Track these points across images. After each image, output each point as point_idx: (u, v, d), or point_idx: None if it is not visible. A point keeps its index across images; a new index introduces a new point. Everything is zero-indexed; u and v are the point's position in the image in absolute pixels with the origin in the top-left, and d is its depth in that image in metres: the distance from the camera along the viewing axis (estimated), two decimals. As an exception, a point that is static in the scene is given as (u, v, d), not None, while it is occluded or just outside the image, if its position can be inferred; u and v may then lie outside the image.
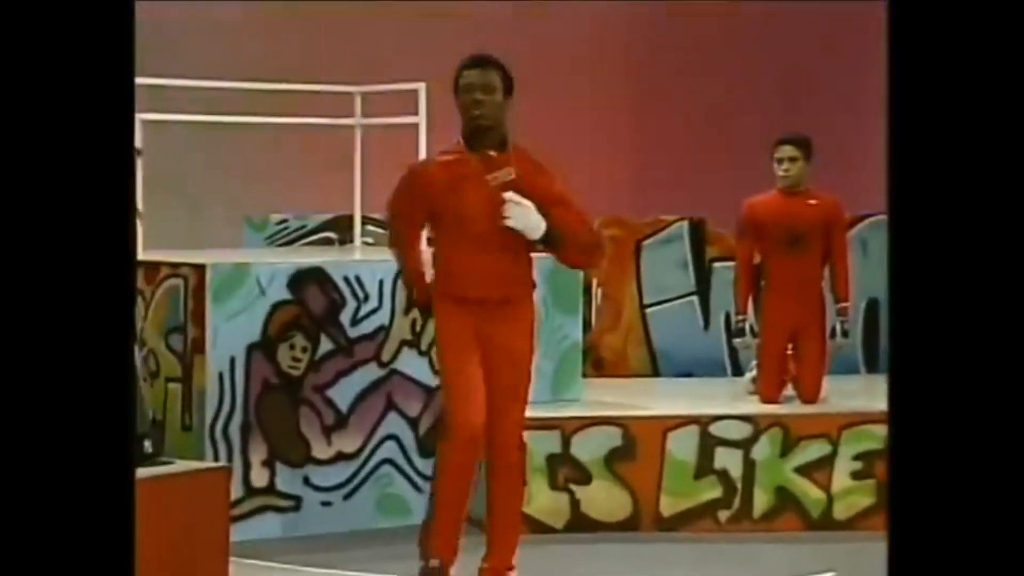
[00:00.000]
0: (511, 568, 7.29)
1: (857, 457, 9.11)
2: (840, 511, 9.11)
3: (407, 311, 8.91)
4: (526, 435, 8.67)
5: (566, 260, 7.46)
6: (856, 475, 9.10)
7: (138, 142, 8.80)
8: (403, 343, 9.01)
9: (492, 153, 7.12)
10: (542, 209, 7.06)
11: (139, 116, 8.91)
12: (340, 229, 11.42)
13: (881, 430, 9.13)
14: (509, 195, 7.00)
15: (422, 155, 9.16)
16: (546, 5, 13.30)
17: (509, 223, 6.99)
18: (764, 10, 13.73)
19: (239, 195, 12.23)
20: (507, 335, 7.20)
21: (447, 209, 7.13)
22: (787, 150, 9.59)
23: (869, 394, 10.01)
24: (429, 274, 7.40)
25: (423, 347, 8.97)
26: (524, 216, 6.99)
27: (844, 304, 9.76)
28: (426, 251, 7.60)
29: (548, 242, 7.12)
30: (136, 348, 7.43)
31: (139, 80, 9.46)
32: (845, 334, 9.81)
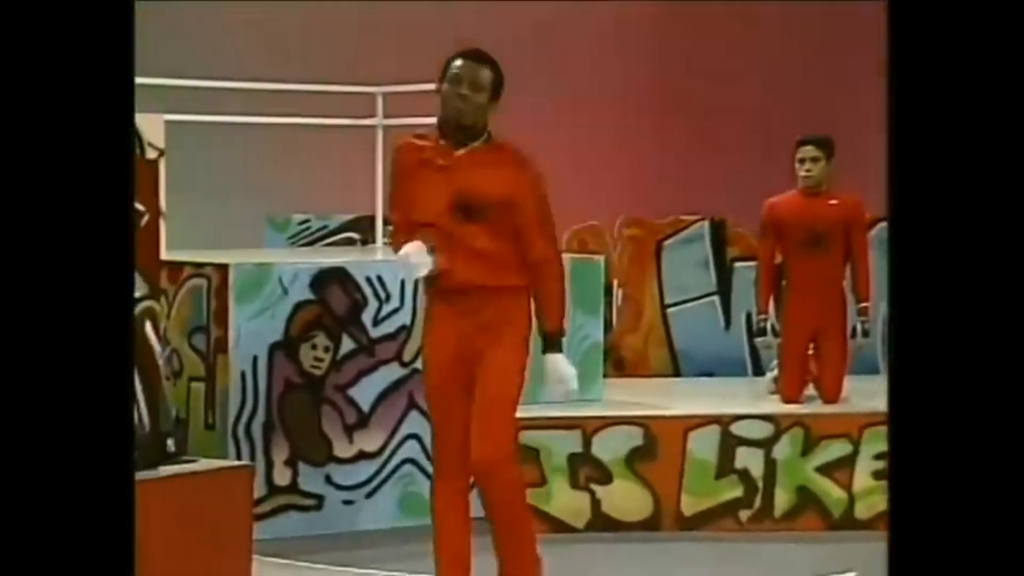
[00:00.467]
0: None
1: (879, 457, 9.07)
2: (862, 511, 9.14)
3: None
4: (545, 435, 8.74)
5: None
6: (878, 475, 9.07)
7: (161, 142, 8.85)
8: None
9: (460, 151, 6.55)
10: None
11: (163, 116, 8.99)
12: (362, 229, 11.46)
13: (902, 430, 9.20)
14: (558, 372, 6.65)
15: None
16: (569, 6, 13.30)
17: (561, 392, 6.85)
18: (784, 11, 13.73)
19: (261, 195, 12.28)
20: (495, 342, 6.58)
21: (408, 192, 6.70)
22: (809, 150, 9.64)
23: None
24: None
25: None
26: (563, 379, 6.66)
27: (864, 304, 9.80)
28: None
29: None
30: (159, 347, 7.47)
31: (163, 81, 9.54)
32: (865, 334, 9.84)
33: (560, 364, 6.63)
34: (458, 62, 6.54)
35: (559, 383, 6.69)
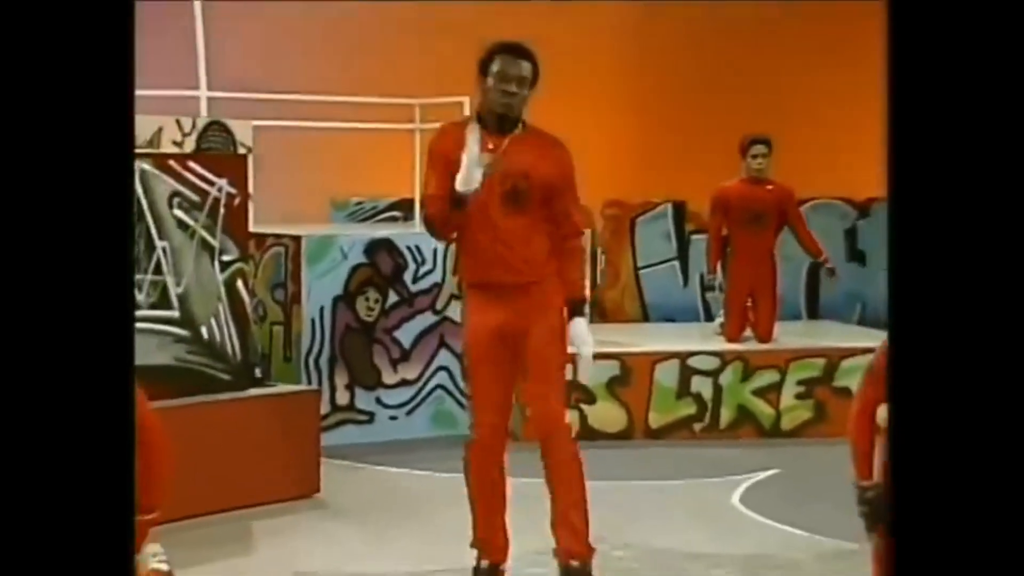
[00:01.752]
0: (586, 547, 5.53)
1: (800, 383, 9.22)
2: (786, 423, 9.21)
3: (455, 272, 8.94)
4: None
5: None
6: (799, 396, 9.21)
7: (249, 142, 8.90)
8: (452, 296, 9.04)
9: (504, 138, 5.39)
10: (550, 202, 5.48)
11: (251, 122, 9.03)
12: (403, 209, 11.46)
13: (819, 361, 9.27)
14: (584, 358, 5.50)
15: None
16: (561, 10, 13.04)
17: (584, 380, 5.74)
18: (730, 29, 13.43)
19: (327, 183, 12.29)
20: (536, 323, 5.46)
21: (451, 171, 5.31)
22: (760, 148, 9.60)
23: (810, 335, 10.11)
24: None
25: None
26: (586, 341, 5.53)
27: (822, 257, 9.83)
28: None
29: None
30: (248, 299, 7.53)
31: (252, 95, 9.55)
32: (832, 272, 9.90)
33: (584, 327, 5.57)
34: (500, 59, 5.39)
35: (583, 345, 5.53)
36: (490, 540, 5.64)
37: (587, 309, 5.73)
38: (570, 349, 5.61)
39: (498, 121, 5.43)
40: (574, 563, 5.47)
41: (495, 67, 5.39)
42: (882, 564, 5.47)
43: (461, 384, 9.14)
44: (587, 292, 5.73)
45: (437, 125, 10.03)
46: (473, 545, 5.67)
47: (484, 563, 5.63)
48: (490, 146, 5.35)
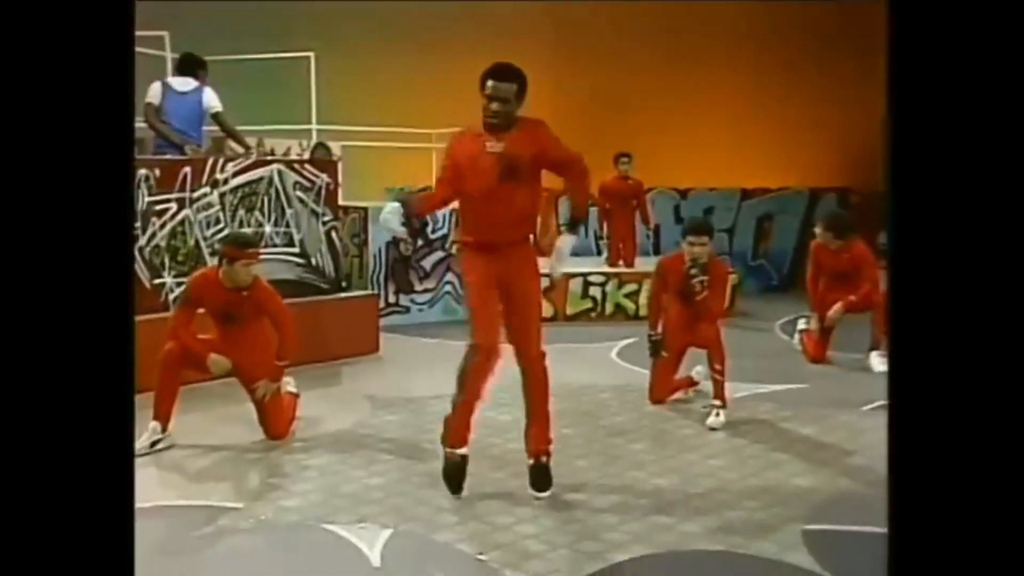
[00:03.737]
0: (549, 447, 4.29)
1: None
2: (641, 312, 9.09)
3: (456, 227, 8.90)
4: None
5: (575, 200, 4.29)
6: (647, 300, 9.23)
7: (339, 153, 8.86)
8: (453, 242, 8.95)
9: (497, 134, 3.99)
10: (540, 171, 4.09)
11: (340, 143, 9.02)
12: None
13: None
14: (556, 256, 4.09)
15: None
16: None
17: (557, 270, 4.14)
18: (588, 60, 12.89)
19: (383, 177, 12.23)
20: (520, 276, 4.12)
21: (465, 170, 4.07)
22: (625, 159, 9.73)
23: (654, 264, 10.16)
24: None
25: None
26: (558, 262, 4.11)
27: (650, 226, 9.93)
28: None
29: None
30: (339, 244, 7.49)
31: (340, 127, 9.45)
32: (650, 236, 9.96)
33: (567, 243, 4.11)
34: (490, 82, 3.98)
35: (560, 260, 4.11)
36: (467, 433, 4.22)
37: (578, 229, 4.16)
38: (553, 263, 4.13)
39: (494, 130, 4.03)
40: (543, 457, 4.28)
41: (486, 90, 3.98)
42: (655, 373, 5.63)
43: (460, 292, 9.20)
44: (586, 211, 4.26)
45: (445, 145, 10.15)
46: (454, 440, 4.24)
47: (462, 451, 4.22)
48: (489, 147, 4.06)
